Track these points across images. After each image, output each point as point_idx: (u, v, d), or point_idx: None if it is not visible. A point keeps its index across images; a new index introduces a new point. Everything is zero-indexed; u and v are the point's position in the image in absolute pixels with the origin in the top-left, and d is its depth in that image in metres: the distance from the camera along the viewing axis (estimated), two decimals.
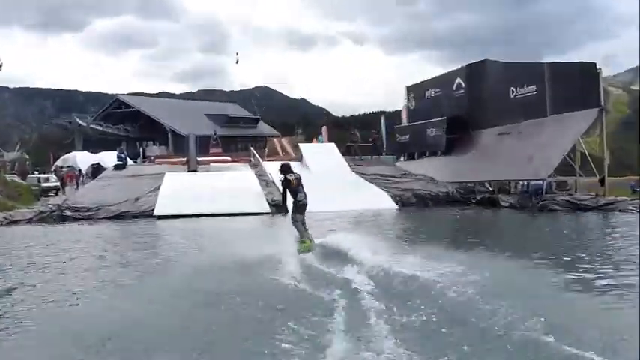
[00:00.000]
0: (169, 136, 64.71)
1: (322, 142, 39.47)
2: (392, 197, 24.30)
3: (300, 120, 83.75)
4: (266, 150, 42.63)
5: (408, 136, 35.50)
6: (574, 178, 25.07)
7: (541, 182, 23.41)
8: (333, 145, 33.66)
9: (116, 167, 30.75)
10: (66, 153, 53.21)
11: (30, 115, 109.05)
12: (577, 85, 23.74)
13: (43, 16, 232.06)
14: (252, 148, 37.64)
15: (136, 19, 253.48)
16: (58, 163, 48.22)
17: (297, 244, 11.57)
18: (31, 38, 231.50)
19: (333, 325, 6.40)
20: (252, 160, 32.62)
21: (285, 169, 12.33)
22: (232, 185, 24.89)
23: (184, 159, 32.12)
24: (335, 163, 29.51)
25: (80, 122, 66.36)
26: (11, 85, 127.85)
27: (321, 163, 28.51)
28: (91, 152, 51.68)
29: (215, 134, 52.37)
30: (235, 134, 69.10)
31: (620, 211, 19.60)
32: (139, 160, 46.91)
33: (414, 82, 36.73)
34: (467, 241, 13.27)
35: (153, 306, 7.48)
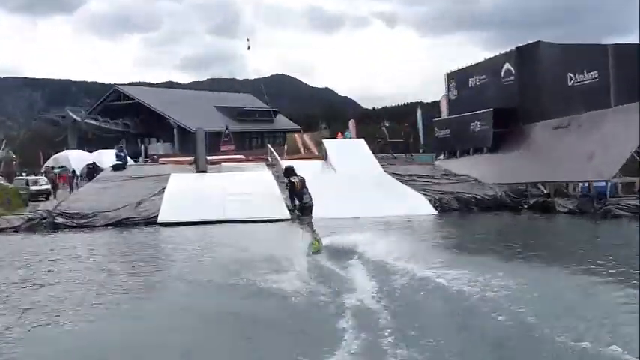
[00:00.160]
0: (175, 131, 65.19)
1: (350, 137, 39.42)
2: (430, 201, 24.12)
3: (324, 113, 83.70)
4: (285, 147, 42.68)
5: (448, 131, 35.30)
6: None
7: (604, 184, 23.06)
8: (362, 141, 33.55)
9: (115, 168, 30.96)
10: (58, 152, 53.86)
11: (17, 109, 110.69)
12: None
13: None
14: (269, 145, 37.73)
15: None
16: (49, 163, 48.81)
17: (309, 246, 13.01)
18: (16, 21, 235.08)
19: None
20: (270, 159, 32.64)
21: (289, 172, 13.96)
22: (246, 188, 24.88)
23: (192, 158, 32.17)
24: (364, 161, 29.42)
25: (74, 116, 67.16)
26: None
27: (349, 162, 28.47)
28: (87, 151, 52.26)
29: (227, 129, 52.56)
30: (250, 129, 69.54)
31: None
32: (140, 160, 47.25)
33: (456, 69, 36.54)
34: (522, 253, 13.15)
35: (152, 337, 7.58)
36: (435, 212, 23.28)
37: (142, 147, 62.42)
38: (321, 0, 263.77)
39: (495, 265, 10.65)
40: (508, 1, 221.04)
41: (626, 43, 28.17)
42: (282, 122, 75.90)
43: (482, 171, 28.10)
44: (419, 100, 73.85)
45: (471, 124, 32.46)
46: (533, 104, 29.34)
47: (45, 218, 22.12)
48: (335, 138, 40.33)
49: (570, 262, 11.33)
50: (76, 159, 46.75)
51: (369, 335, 7.08)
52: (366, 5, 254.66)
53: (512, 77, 31.09)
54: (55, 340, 7.75)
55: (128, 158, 35.19)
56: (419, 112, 45.87)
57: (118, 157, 32.32)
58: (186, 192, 24.74)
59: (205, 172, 29.50)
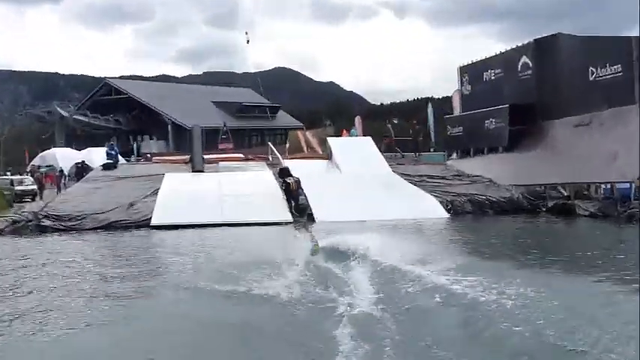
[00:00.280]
0: (169, 128, 65.31)
1: (355, 135, 39.36)
2: (442, 203, 24.04)
3: (329, 108, 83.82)
4: (287, 145, 42.64)
5: (461, 129, 35.24)
6: None
7: (628, 185, 22.98)
8: (369, 139, 33.49)
9: (105, 167, 30.96)
10: (44, 149, 54.01)
11: (0, 104, 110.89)
12: None
13: None
14: (270, 144, 37.78)
15: None
16: (35, 161, 48.99)
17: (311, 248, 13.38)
18: (0, 10, 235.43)
19: None
20: (271, 158, 32.62)
21: (284, 173, 14.88)
22: (246, 189, 24.89)
23: (187, 157, 32.12)
24: (371, 161, 29.35)
25: (61, 112, 67.32)
26: None
27: (355, 162, 28.43)
28: (75, 148, 52.36)
29: (225, 126, 52.63)
30: (250, 126, 69.66)
31: None
32: (132, 158, 47.31)
33: (469, 62, 36.48)
34: (540, 259, 13.12)
35: (143, 345, 7.62)
36: (447, 215, 23.21)
37: (134, 145, 62.42)
38: None
39: (512, 272, 10.64)
40: None
41: None
42: (283, 119, 75.96)
43: (498, 171, 27.98)
44: (430, 96, 73.92)
45: (486, 122, 32.39)
46: (552, 100, 29.27)
47: (31, 220, 22.04)
48: (340, 136, 40.27)
49: (593, 269, 11.29)
50: (63, 157, 46.78)
51: (372, 346, 7.09)
52: None
53: (529, 71, 31.02)
54: (41, 351, 7.74)
55: (119, 157, 35.16)
56: (430, 109, 45.79)
57: (108, 155, 32.33)
58: (182, 193, 24.72)
59: (202, 171, 29.45)
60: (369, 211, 21.53)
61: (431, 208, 23.52)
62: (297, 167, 27.74)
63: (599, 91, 26.48)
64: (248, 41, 77.96)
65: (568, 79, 28.48)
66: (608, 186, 24.24)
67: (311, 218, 21.38)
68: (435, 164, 32.33)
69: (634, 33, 29.65)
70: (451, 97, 41.59)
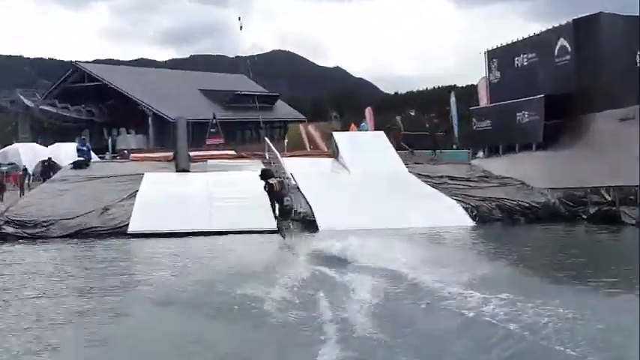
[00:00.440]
0: (150, 121, 65.42)
1: (366, 129, 39.37)
2: (466, 209, 24.00)
3: (335, 98, 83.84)
4: (286, 141, 42.71)
5: (488, 122, 35.11)
6: None
7: None
8: (381, 134, 33.50)
9: (76, 165, 30.91)
10: (6, 145, 54.02)
11: None
12: None
13: None
14: (266, 139, 37.60)
15: None
16: None
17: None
18: None
19: None
20: (267, 156, 32.58)
21: (266, 175, 16.60)
22: (239, 190, 24.82)
23: (170, 154, 32.11)
24: (385, 160, 29.36)
25: (26, 101, 67.42)
26: None
27: (365, 160, 28.47)
28: (41, 144, 52.41)
29: (214, 118, 52.69)
30: (243, 118, 69.62)
31: None
32: (107, 155, 47.39)
33: (498, 46, 36.37)
34: (581, 275, 13.12)
35: None
36: (472, 223, 23.19)
37: (110, 139, 62.64)
38: None
39: (548, 290, 10.63)
40: None
41: None
42: (282, 110, 76.06)
43: (531, 172, 27.95)
44: (452, 84, 73.92)
45: (517, 114, 32.26)
46: (593, 90, 29.15)
47: None
48: (348, 130, 40.28)
49: None
50: (28, 154, 46.89)
51: None
52: None
53: (567, 56, 30.88)
54: None
55: (92, 153, 35.20)
56: (452, 99, 45.71)
57: (79, 151, 32.26)
58: (164, 196, 24.70)
59: (187, 170, 29.49)
60: (382, 219, 21.52)
61: (453, 215, 23.50)
62: (298, 166, 28.16)
63: None
64: (241, 27, 78.26)
65: (612, 66, 28.37)
66: None
67: (313, 226, 21.44)
68: (458, 163, 32.41)
69: None
70: (477, 85, 41.52)
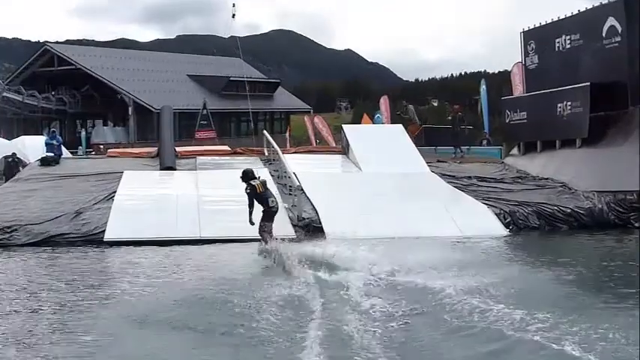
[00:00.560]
0: (130, 111, 65.49)
1: (381, 122, 39.26)
2: (499, 216, 23.87)
3: (345, 86, 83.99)
4: (288, 134, 42.62)
5: (524, 114, 34.90)
6: None
7: None
8: (399, 127, 33.41)
9: (44, 161, 30.89)
10: None
11: None
12: None
13: None
14: (265, 132, 37.42)
15: None
16: None
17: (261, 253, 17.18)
18: None
19: None
20: (266, 152, 32.52)
21: (248, 176, 17.69)
22: (233, 192, 24.59)
23: (154, 149, 32.04)
24: (403, 157, 29.25)
25: None
26: None
27: (380, 158, 28.40)
28: (4, 137, 52.38)
29: (205, 108, 52.57)
30: (238, 108, 69.57)
31: None
32: (80, 151, 47.31)
33: (535, 25, 36.23)
34: (634, 294, 12.86)
35: None
36: (506, 231, 23.03)
37: (83, 132, 62.64)
38: None
39: (597, 312, 10.66)
40: None
41: None
42: (284, 99, 76.11)
43: (575, 172, 27.91)
44: (482, 70, 73.89)
45: (558, 105, 32.03)
46: None
47: None
48: (360, 122, 40.19)
49: None
50: None
51: None
52: None
53: (617, 38, 30.65)
54: None
55: (63, 148, 35.07)
56: (483, 87, 45.60)
57: (48, 145, 32.23)
58: (146, 198, 24.66)
59: (173, 169, 29.45)
60: (399, 226, 21.32)
61: (483, 223, 23.33)
62: (303, 164, 28.06)
63: None
64: (234, 15, 77.94)
65: None
66: None
67: (319, 231, 21.34)
68: (489, 162, 32.39)
69: None
70: (510, 71, 41.47)
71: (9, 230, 22.06)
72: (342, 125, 35.81)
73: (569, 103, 31.59)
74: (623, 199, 25.69)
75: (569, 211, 24.60)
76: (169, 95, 54.11)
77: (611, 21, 30.96)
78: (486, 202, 24.93)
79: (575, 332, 9.20)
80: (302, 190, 23.98)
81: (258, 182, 17.61)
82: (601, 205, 24.90)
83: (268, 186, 18.76)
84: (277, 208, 17.80)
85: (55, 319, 11.85)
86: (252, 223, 17.71)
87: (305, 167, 27.55)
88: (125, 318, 11.80)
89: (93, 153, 45.48)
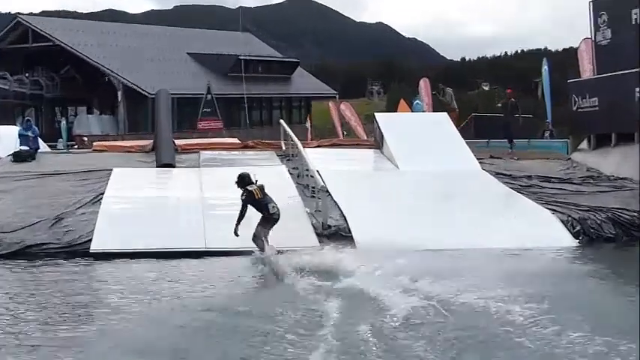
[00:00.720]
0: (119, 95, 65.57)
1: (422, 109, 39.19)
2: (566, 223, 23.74)
3: (377, 66, 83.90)
4: (309, 124, 42.59)
5: (595, 100, 34.79)
6: None
7: None
8: (444, 115, 33.37)
9: (17, 157, 31.06)
10: None
11: None
12: None
13: None
14: (282, 122, 37.46)
15: None
16: None
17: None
18: None
19: None
20: (284, 146, 32.55)
21: (245, 181, 19.00)
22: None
23: (149, 142, 32.16)
24: (449, 152, 29.29)
25: None
26: None
27: (421, 154, 28.45)
28: None
29: (209, 93, 52.77)
30: (250, 93, 69.57)
31: None
32: (60, 143, 47.45)
33: None
34: None
35: None
36: (575, 242, 22.85)
37: (64, 122, 62.79)
38: None
39: None
40: None
41: None
42: (304, 82, 76.15)
43: None
44: (542, 48, 73.67)
45: (637, 90, 31.94)
46: None
47: None
48: (396, 110, 40.17)
49: None
50: None
51: None
52: None
53: None
54: None
55: (40, 140, 35.17)
56: (545, 67, 45.48)
57: (22, 137, 32.32)
58: (139, 201, 24.75)
59: (172, 165, 29.60)
60: (442, 235, 21.28)
61: (547, 231, 23.17)
62: (327, 161, 28.12)
63: None
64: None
65: None
66: None
67: (347, 240, 21.35)
68: (553, 158, 32.46)
69: None
70: (577, 49, 41.32)
71: None
72: (375, 114, 35.81)
73: None
74: None
75: None
76: (166, 77, 54.18)
77: None
78: (550, 206, 24.83)
79: None
80: (327, 191, 23.86)
81: (256, 187, 18.82)
82: None
83: (273, 189, 19.65)
84: (279, 215, 18.93)
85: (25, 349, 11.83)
86: (236, 235, 18.91)
87: (330, 164, 27.59)
88: (122, 348, 11.80)
89: (75, 146, 45.63)
